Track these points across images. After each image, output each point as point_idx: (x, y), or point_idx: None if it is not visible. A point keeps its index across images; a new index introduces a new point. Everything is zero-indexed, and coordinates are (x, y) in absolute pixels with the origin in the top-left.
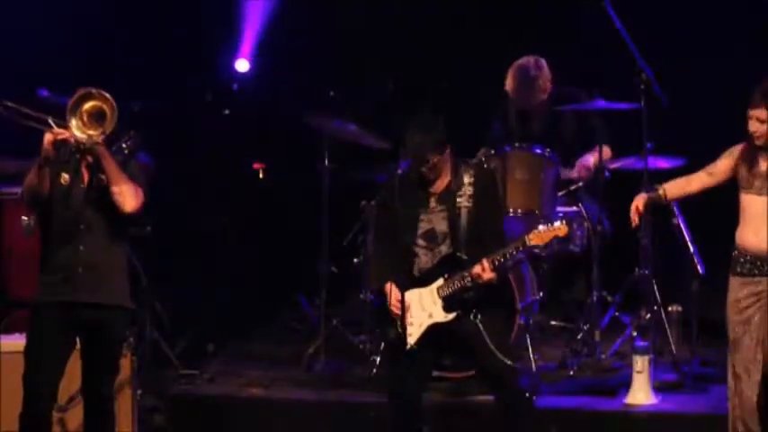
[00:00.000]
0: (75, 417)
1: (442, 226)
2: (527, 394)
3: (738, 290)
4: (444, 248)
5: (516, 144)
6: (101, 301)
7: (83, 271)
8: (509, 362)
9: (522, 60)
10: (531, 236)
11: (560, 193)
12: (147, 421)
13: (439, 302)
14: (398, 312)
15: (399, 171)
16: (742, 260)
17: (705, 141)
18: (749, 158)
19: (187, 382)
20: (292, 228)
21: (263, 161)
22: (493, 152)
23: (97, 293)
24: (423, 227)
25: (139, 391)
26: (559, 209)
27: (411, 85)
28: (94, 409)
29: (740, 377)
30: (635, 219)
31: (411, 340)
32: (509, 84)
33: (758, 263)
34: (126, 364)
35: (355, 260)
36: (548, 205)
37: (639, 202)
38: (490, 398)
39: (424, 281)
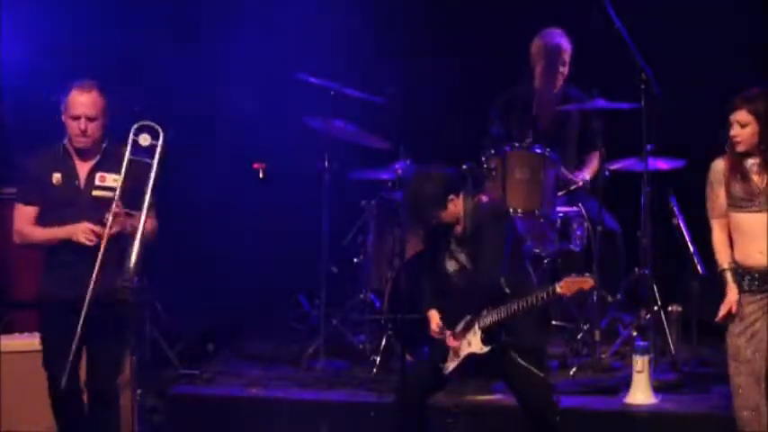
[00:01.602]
0: None
1: (469, 265)
2: (558, 416)
3: (744, 305)
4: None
5: (516, 144)
6: (105, 295)
7: (87, 268)
8: (541, 374)
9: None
10: (561, 284)
11: (560, 193)
12: (147, 421)
13: (479, 334)
14: (439, 337)
15: (399, 171)
16: (748, 278)
17: (705, 143)
18: (738, 173)
19: (187, 381)
20: (292, 227)
21: (263, 161)
22: (493, 152)
23: (102, 288)
24: (451, 266)
25: (139, 391)
26: (559, 209)
27: (411, 85)
28: (100, 404)
29: (747, 388)
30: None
31: (450, 366)
32: (536, 47)
33: (767, 278)
34: (126, 364)
35: (355, 260)
36: (548, 205)
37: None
38: (491, 398)
39: (465, 310)
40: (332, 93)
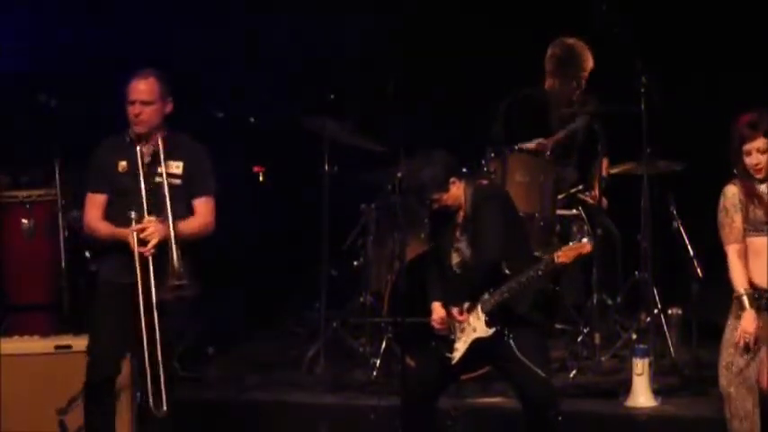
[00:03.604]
0: (77, 419)
1: (468, 253)
2: (559, 416)
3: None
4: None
5: (516, 146)
6: (160, 282)
7: (146, 255)
8: (543, 374)
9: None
10: (559, 253)
11: (560, 196)
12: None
13: (483, 317)
14: (441, 329)
15: (399, 175)
16: (766, 299)
17: (705, 146)
18: (756, 198)
19: (187, 385)
20: (292, 230)
21: (264, 164)
22: (492, 155)
23: (157, 276)
24: (455, 257)
25: (139, 393)
26: (559, 212)
27: (411, 87)
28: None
29: (738, 398)
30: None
31: (456, 355)
32: (557, 52)
33: None
34: (126, 366)
35: (355, 263)
36: (548, 208)
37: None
38: (491, 400)
39: (467, 295)
40: (332, 95)
